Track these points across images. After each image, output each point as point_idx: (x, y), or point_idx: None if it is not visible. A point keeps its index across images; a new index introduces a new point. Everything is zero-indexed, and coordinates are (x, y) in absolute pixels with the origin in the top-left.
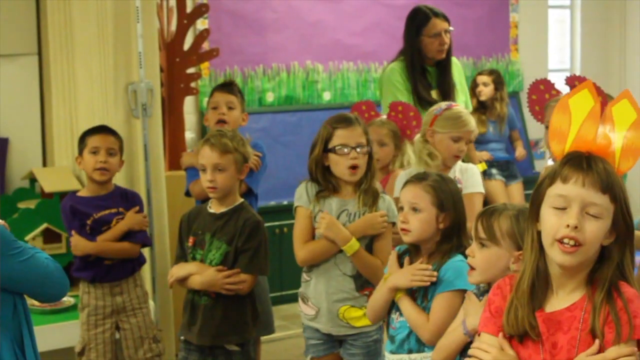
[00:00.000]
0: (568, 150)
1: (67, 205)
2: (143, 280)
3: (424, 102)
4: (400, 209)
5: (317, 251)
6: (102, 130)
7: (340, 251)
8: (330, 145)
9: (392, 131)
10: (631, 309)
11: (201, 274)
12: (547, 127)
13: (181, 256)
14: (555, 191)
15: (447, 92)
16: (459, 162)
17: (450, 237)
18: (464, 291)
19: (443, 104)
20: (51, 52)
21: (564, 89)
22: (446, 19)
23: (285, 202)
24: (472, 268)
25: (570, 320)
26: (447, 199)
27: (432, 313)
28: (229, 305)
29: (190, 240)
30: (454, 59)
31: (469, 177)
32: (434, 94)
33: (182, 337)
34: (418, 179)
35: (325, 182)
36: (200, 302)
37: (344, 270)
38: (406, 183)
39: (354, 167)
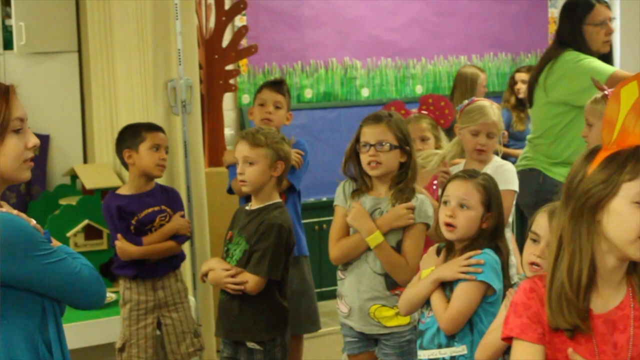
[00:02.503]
0: (615, 140)
1: (112, 205)
2: (183, 275)
3: None
4: (445, 202)
5: (347, 247)
6: (158, 127)
7: (371, 249)
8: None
9: (431, 124)
10: None
11: (214, 270)
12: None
13: (224, 251)
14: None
15: None
16: (496, 159)
17: (485, 237)
18: (485, 284)
19: (467, 100)
20: (91, 50)
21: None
22: (609, 6)
23: (324, 199)
24: (539, 266)
25: (624, 319)
26: (495, 199)
27: (451, 301)
28: (242, 304)
29: (229, 234)
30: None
31: (502, 173)
32: None
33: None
34: (469, 175)
35: (360, 179)
36: (221, 297)
37: (374, 269)
38: (455, 178)
39: (372, 164)
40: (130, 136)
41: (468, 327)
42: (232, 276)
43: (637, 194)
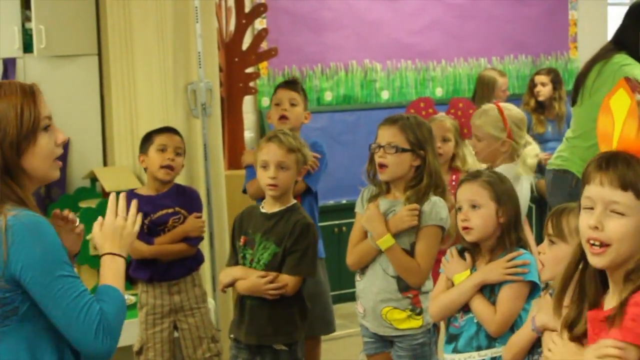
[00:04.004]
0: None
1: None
2: (202, 279)
3: None
4: (459, 209)
5: (362, 252)
6: (169, 129)
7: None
8: None
9: (455, 127)
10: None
11: (246, 278)
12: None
13: (232, 257)
14: (584, 194)
15: None
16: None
17: (510, 231)
18: (531, 283)
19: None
20: (111, 53)
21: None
22: None
23: (343, 201)
24: (542, 265)
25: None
26: (504, 193)
27: (499, 304)
28: (274, 306)
29: (242, 239)
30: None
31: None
32: None
33: (231, 335)
34: (473, 177)
35: (378, 181)
36: (247, 301)
37: (387, 271)
38: (461, 182)
39: (380, 166)
40: (144, 141)
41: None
42: (271, 282)
43: (583, 199)
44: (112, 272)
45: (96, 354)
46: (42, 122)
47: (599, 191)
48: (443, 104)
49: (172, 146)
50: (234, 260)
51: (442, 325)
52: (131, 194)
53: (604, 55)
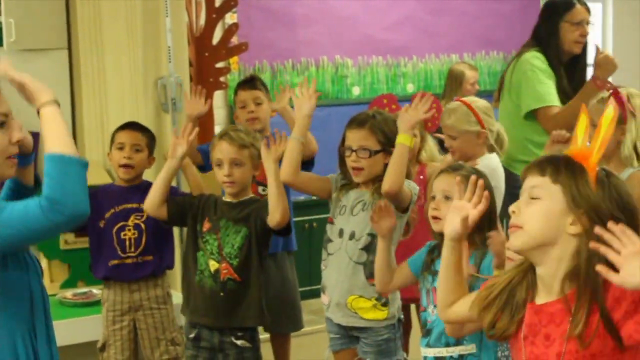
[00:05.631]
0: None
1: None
2: (165, 282)
3: (566, 96)
4: (432, 198)
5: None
6: (129, 126)
7: (351, 239)
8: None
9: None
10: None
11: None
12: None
13: (192, 242)
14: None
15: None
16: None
17: (482, 229)
18: None
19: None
20: (81, 47)
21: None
22: (589, 10)
23: (314, 197)
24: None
25: (562, 313)
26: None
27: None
28: (246, 289)
29: (206, 225)
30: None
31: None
32: None
33: (190, 336)
34: (452, 169)
35: (349, 177)
36: (214, 286)
37: (353, 258)
38: (440, 173)
39: (355, 169)
40: (111, 140)
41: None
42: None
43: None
44: (54, 130)
45: (63, 227)
46: None
47: (526, 182)
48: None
49: (129, 143)
50: (194, 246)
51: (416, 318)
52: (108, 187)
53: (520, 51)
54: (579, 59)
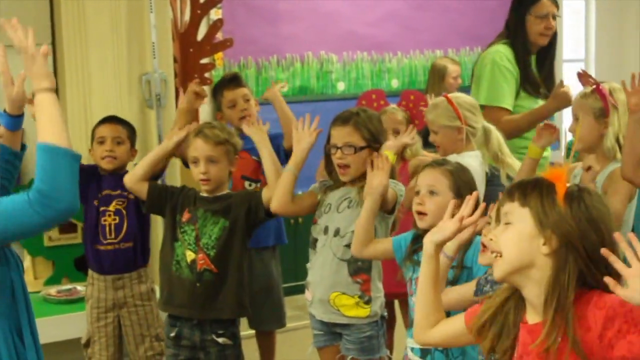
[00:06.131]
0: None
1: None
2: (150, 277)
3: (535, 86)
4: (417, 193)
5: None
6: (109, 120)
7: (335, 235)
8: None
9: (406, 119)
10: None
11: None
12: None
13: (170, 232)
14: None
15: (549, 84)
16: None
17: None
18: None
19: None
20: (65, 43)
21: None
22: (556, 4)
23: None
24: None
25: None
26: (464, 185)
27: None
28: (224, 281)
29: (185, 215)
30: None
31: None
32: None
33: (171, 335)
34: (438, 163)
35: (335, 176)
36: (192, 278)
37: (337, 254)
38: (425, 167)
39: (341, 167)
40: (91, 136)
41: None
42: None
43: None
44: (50, 117)
45: (51, 223)
46: None
47: (501, 209)
48: (398, 96)
49: (110, 137)
50: (172, 235)
51: (399, 313)
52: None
53: (491, 43)
54: (549, 50)
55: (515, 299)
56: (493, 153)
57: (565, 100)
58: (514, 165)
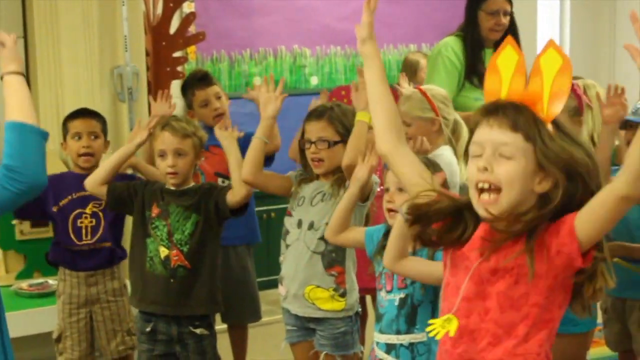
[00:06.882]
0: None
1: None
2: (122, 274)
3: (482, 79)
4: (386, 190)
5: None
6: (83, 113)
7: (309, 229)
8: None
9: None
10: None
11: None
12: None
13: (140, 228)
14: (472, 141)
15: None
16: (435, 151)
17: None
18: None
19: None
20: (37, 35)
21: None
22: (509, 1)
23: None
24: None
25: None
26: None
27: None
28: (198, 278)
29: (155, 210)
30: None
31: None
32: None
33: (147, 330)
34: None
35: (310, 170)
36: (166, 274)
37: (311, 247)
38: None
39: (315, 160)
40: (62, 127)
41: (429, 314)
42: None
43: (471, 146)
44: (18, 98)
45: (21, 197)
46: None
47: (488, 134)
48: None
49: (86, 132)
50: (143, 232)
51: (371, 309)
52: (66, 173)
53: (448, 34)
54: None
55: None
56: (460, 147)
57: None
58: None
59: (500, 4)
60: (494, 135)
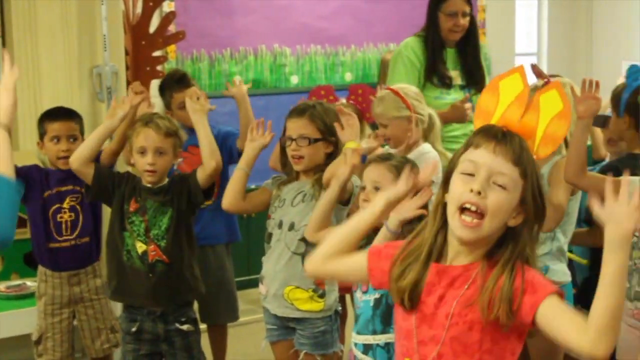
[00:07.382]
0: None
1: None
2: (103, 270)
3: (442, 78)
4: (363, 188)
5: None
6: (61, 115)
7: (290, 229)
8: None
9: (356, 113)
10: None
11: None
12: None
13: (119, 221)
14: (467, 157)
15: (471, 76)
16: (418, 149)
17: (411, 221)
18: None
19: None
20: (15, 34)
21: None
22: (468, 2)
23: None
24: None
25: (463, 278)
26: None
27: None
28: (179, 268)
29: (133, 205)
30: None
31: (421, 162)
32: (454, 75)
33: (133, 330)
34: (382, 159)
35: (290, 169)
36: (144, 268)
37: (291, 248)
38: (370, 163)
39: (295, 157)
40: (39, 127)
41: None
42: None
43: (463, 164)
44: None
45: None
46: None
47: (490, 159)
48: None
49: (65, 135)
50: (120, 225)
51: (351, 308)
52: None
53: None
54: (467, 44)
55: (436, 241)
56: (432, 141)
57: (460, 116)
58: (447, 154)
59: (458, 6)
60: (495, 162)
